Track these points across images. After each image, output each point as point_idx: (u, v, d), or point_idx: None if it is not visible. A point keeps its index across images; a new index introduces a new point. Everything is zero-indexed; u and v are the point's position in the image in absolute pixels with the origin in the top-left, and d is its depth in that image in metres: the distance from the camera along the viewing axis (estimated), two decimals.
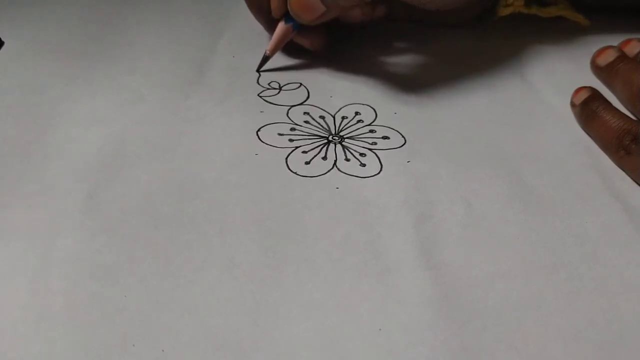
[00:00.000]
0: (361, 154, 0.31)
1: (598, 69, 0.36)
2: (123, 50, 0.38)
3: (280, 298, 0.23)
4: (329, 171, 0.29)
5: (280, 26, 0.36)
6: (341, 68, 0.37)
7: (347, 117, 0.33)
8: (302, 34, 0.36)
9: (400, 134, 0.32)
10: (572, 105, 0.34)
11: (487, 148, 0.31)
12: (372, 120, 0.33)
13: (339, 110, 0.34)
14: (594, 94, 0.33)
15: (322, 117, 0.33)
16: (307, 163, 0.30)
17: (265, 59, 0.37)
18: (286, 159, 0.30)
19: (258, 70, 0.37)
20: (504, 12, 0.40)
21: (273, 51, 0.36)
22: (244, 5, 0.37)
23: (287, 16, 0.35)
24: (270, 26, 0.37)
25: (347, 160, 0.30)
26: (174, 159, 0.30)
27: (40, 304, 0.22)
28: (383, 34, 0.36)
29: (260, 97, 0.35)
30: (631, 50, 0.36)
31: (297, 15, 0.34)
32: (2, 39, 0.39)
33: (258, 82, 0.36)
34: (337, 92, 0.35)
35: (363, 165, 0.30)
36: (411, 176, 0.29)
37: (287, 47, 0.37)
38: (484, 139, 0.32)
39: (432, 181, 0.29)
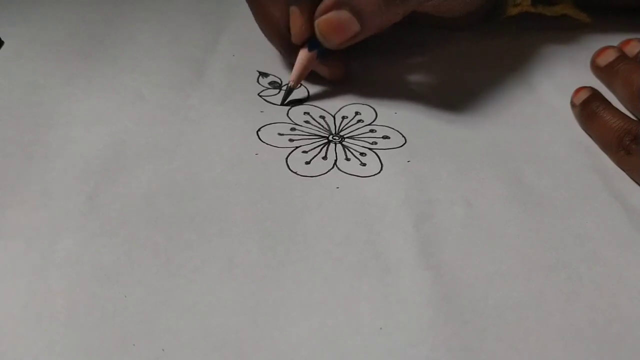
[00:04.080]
0: (361, 154, 0.31)
1: (598, 69, 0.36)
2: (123, 50, 0.38)
3: (280, 298, 0.23)
4: (329, 171, 0.29)
5: (304, 54, 0.33)
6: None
7: (347, 117, 0.33)
8: (323, 63, 0.34)
9: (401, 134, 0.32)
10: (572, 105, 0.34)
11: (487, 148, 0.31)
12: (372, 120, 0.33)
13: (339, 110, 0.34)
14: (594, 94, 0.33)
15: (322, 117, 0.33)
16: (308, 163, 0.30)
17: (289, 91, 0.34)
18: (286, 158, 0.30)
19: (283, 104, 0.34)
20: (513, 11, 0.40)
21: (297, 82, 0.33)
22: (244, 5, 0.37)
23: (311, 42, 0.33)
24: (288, 51, 0.34)
25: (348, 159, 0.30)
26: (174, 159, 0.30)
27: (40, 304, 0.22)
28: (384, 35, 0.36)
29: (261, 96, 0.35)
30: (631, 50, 0.36)
31: (325, 37, 0.31)
32: (2, 39, 0.39)
33: (258, 82, 0.36)
34: (337, 92, 0.35)
35: (363, 164, 0.30)
36: (411, 176, 0.29)
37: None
38: (484, 138, 0.32)
39: (432, 181, 0.29)
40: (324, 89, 0.35)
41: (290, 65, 0.35)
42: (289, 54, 0.35)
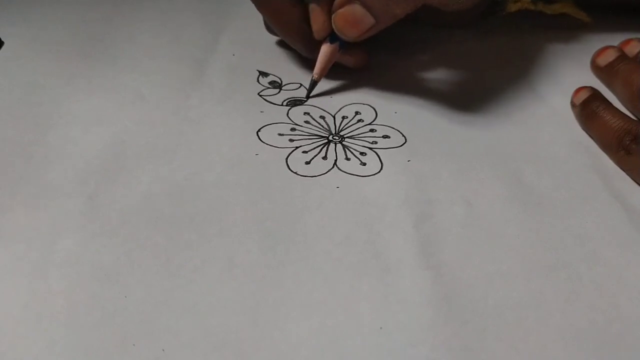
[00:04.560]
0: (362, 153, 0.31)
1: (598, 69, 0.36)
2: (123, 50, 0.38)
3: (280, 298, 0.23)
4: (329, 171, 0.29)
5: (326, 47, 0.34)
6: (341, 68, 0.37)
7: (347, 117, 0.33)
8: (346, 53, 0.35)
9: (401, 133, 0.32)
10: (572, 105, 0.34)
11: (487, 148, 0.31)
12: (372, 120, 0.33)
13: (339, 110, 0.34)
14: (594, 94, 0.33)
15: (323, 117, 0.33)
16: (308, 163, 0.30)
17: (313, 84, 0.34)
18: (286, 158, 0.30)
19: (307, 97, 0.35)
20: (512, 8, 0.40)
21: (321, 75, 0.34)
22: (244, 5, 0.37)
23: (332, 36, 0.33)
24: (310, 49, 0.35)
25: (348, 159, 0.30)
26: (174, 159, 0.30)
27: (40, 304, 0.22)
28: (383, 34, 0.36)
29: (261, 96, 0.35)
30: (631, 50, 0.36)
31: (341, 32, 0.32)
32: (2, 39, 0.39)
33: (258, 81, 0.36)
34: (337, 92, 0.35)
35: (363, 164, 0.30)
36: (411, 175, 0.29)
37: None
38: (484, 138, 0.32)
39: (432, 181, 0.29)
40: (324, 89, 0.35)
41: (309, 62, 0.35)
42: (311, 51, 0.35)
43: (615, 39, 0.38)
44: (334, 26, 0.33)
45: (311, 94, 0.35)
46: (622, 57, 0.35)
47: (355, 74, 0.36)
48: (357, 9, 0.32)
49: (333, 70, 0.36)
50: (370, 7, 0.31)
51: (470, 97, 0.35)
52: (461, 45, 0.40)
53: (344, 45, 0.34)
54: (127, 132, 0.31)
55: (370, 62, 0.37)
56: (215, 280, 0.24)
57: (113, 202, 0.27)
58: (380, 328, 0.22)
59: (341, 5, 0.32)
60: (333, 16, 0.32)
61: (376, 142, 0.31)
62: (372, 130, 0.32)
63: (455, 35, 0.41)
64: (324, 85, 0.36)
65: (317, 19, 0.33)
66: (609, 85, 0.35)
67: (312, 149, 0.31)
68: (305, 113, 0.34)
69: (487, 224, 0.27)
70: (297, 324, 0.22)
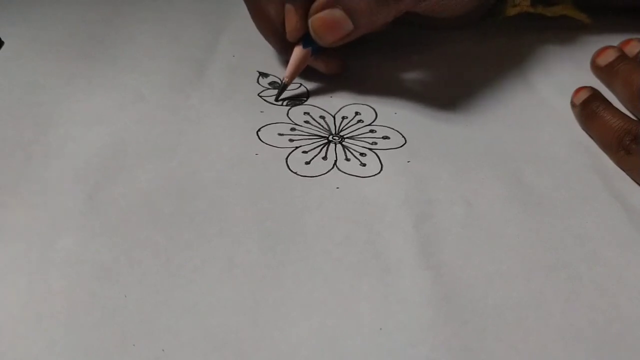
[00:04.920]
0: (361, 154, 0.31)
1: (598, 69, 0.36)
2: (123, 50, 0.38)
3: (280, 298, 0.23)
4: (329, 171, 0.29)
5: (298, 51, 0.33)
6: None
7: (347, 117, 0.33)
8: (319, 58, 0.34)
9: (401, 134, 0.32)
10: (572, 105, 0.34)
11: (487, 148, 0.31)
12: (372, 120, 0.33)
13: (339, 110, 0.34)
14: (594, 94, 0.33)
15: (322, 117, 0.33)
16: (307, 163, 0.30)
17: (283, 87, 0.34)
18: (286, 158, 0.30)
19: (277, 100, 0.34)
20: (512, 12, 0.40)
21: (291, 78, 0.34)
22: (244, 5, 0.37)
23: (305, 40, 0.33)
24: (283, 49, 0.35)
25: (348, 160, 0.30)
26: (174, 159, 0.30)
27: (40, 304, 0.22)
28: (383, 35, 0.36)
29: (261, 96, 0.35)
30: (631, 50, 0.36)
31: (319, 36, 0.32)
32: (2, 39, 0.39)
33: (258, 82, 0.36)
34: (337, 92, 0.35)
35: (363, 165, 0.30)
36: (411, 176, 0.29)
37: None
38: (484, 138, 0.32)
39: (432, 181, 0.29)
40: (324, 89, 0.35)
41: (285, 62, 0.35)
42: (284, 51, 0.35)
43: (615, 39, 0.38)
44: (310, 29, 0.32)
45: (282, 96, 0.34)
46: (622, 57, 0.35)
47: (356, 74, 0.36)
48: (337, 13, 0.31)
49: None
50: (352, 13, 0.31)
51: (470, 97, 0.35)
52: (460, 46, 0.40)
53: (317, 51, 0.34)
54: (127, 132, 0.31)
55: (348, 66, 0.36)
56: (215, 280, 0.24)
57: (113, 201, 0.27)
58: (380, 328, 0.22)
59: (321, 9, 0.31)
60: (310, 19, 0.32)
61: (376, 143, 0.31)
62: (372, 131, 0.32)
63: (455, 36, 0.41)
64: (324, 85, 0.36)
65: (290, 20, 0.33)
66: (609, 85, 0.35)
67: (312, 149, 0.31)
68: (305, 113, 0.34)
69: (487, 224, 0.27)
70: (297, 324, 0.22)
